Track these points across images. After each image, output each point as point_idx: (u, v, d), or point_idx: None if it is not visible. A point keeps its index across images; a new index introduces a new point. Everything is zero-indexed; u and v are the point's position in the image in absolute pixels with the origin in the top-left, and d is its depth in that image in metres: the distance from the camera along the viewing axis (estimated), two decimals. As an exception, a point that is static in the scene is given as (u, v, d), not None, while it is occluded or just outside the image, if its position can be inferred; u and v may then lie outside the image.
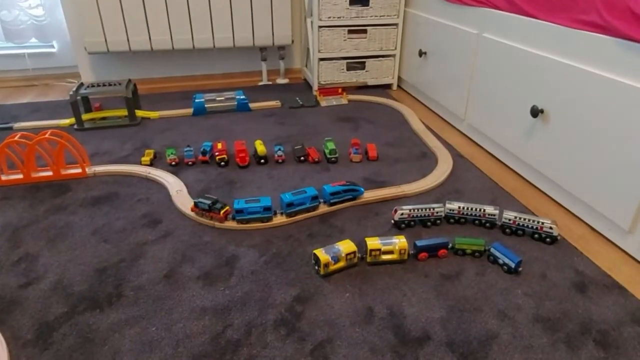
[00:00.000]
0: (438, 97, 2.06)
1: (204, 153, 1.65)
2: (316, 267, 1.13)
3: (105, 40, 2.24)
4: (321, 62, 2.31)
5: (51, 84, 2.62)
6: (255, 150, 1.67)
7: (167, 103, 2.26)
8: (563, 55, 1.33)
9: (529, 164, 1.50)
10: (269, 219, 1.31)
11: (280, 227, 1.30)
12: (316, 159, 1.66)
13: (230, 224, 1.30)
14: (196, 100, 2.09)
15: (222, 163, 1.63)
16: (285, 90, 2.48)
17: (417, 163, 1.67)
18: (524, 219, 1.23)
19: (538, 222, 1.22)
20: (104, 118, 2.05)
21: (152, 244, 1.24)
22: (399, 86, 2.51)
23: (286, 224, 1.32)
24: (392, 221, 1.30)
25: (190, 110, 2.11)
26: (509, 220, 1.25)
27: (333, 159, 1.66)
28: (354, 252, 1.13)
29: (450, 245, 1.19)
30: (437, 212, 1.29)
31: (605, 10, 1.17)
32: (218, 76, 2.61)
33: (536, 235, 1.23)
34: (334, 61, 2.32)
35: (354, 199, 1.41)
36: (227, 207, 1.31)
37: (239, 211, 1.29)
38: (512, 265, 1.10)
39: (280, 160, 1.66)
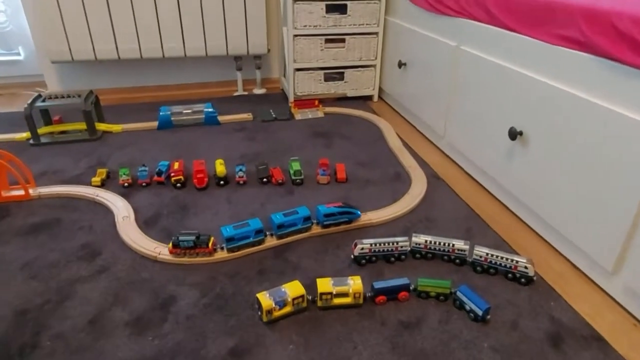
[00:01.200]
0: (418, 111, 1.94)
1: (159, 174, 1.53)
2: (259, 313, 1.00)
3: (70, 49, 2.12)
4: (297, 73, 2.19)
5: (18, 92, 2.50)
6: (215, 171, 1.55)
7: (134, 115, 2.14)
8: (543, 73, 1.21)
9: (508, 189, 1.38)
10: (261, 242, 1.22)
11: (230, 262, 1.18)
12: (280, 181, 1.53)
13: (171, 258, 1.18)
14: (161, 114, 1.97)
15: (178, 184, 1.51)
16: (261, 101, 2.36)
17: (390, 185, 1.55)
18: (497, 257, 1.11)
19: (512, 261, 1.10)
20: (63, 132, 1.93)
21: (85, 281, 1.12)
22: (380, 97, 2.39)
23: (237, 257, 1.20)
24: (352, 256, 1.17)
25: (156, 124, 1.99)
26: (480, 257, 1.12)
27: (298, 180, 1.54)
28: (302, 296, 1.01)
29: (412, 287, 1.06)
30: (401, 247, 1.17)
31: (586, 25, 1.05)
32: (192, 86, 2.49)
33: (510, 275, 1.11)
34: (311, 72, 2.20)
35: (349, 222, 1.30)
36: (212, 237, 1.20)
37: (230, 239, 1.18)
38: (480, 313, 0.98)
39: (241, 182, 1.54)
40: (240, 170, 1.54)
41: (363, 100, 2.33)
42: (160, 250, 1.20)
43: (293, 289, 1.01)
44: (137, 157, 1.74)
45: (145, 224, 1.33)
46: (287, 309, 1.00)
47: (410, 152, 1.78)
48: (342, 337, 0.96)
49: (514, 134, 1.28)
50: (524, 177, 1.29)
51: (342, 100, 2.32)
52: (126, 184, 1.52)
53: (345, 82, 2.26)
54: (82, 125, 1.90)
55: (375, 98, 2.35)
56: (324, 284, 1.02)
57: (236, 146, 1.83)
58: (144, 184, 1.53)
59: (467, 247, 1.15)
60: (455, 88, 1.62)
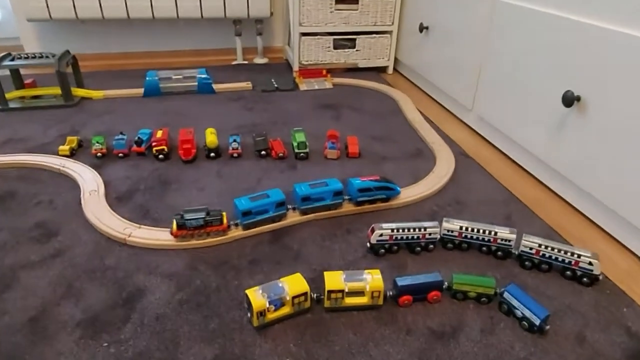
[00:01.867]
0: (441, 82, 1.69)
1: (138, 143, 1.30)
2: (249, 314, 0.78)
3: (47, 4, 1.88)
4: (303, 38, 1.94)
5: (-6, 57, 2.26)
6: (205, 141, 1.31)
7: (120, 82, 1.90)
8: (612, 20, 0.96)
9: (557, 169, 1.14)
10: (282, 217, 1.02)
11: (217, 247, 0.95)
12: (281, 154, 1.30)
13: (143, 241, 0.95)
14: (148, 79, 1.73)
15: (161, 156, 1.28)
16: (263, 71, 2.11)
17: (410, 163, 1.31)
18: (553, 250, 0.88)
19: (573, 255, 0.86)
20: (36, 97, 1.70)
21: (33, 267, 0.89)
22: (395, 69, 2.14)
23: (225, 242, 0.97)
24: (368, 244, 0.94)
25: (142, 91, 1.75)
26: (531, 249, 0.89)
27: (302, 154, 1.30)
28: (304, 294, 0.78)
29: (446, 285, 0.83)
30: (430, 234, 0.94)
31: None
32: (185, 53, 2.25)
33: (568, 273, 0.88)
34: (319, 37, 1.95)
35: (387, 199, 1.09)
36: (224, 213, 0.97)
37: (246, 213, 0.96)
38: (536, 321, 0.75)
39: (235, 154, 1.31)
40: (235, 141, 1.31)
41: (376, 72, 2.09)
42: (131, 232, 0.97)
43: (293, 284, 0.78)
44: (117, 126, 1.50)
45: (117, 201, 1.10)
46: (285, 310, 0.77)
47: (432, 126, 1.54)
48: (355, 349, 0.73)
49: (570, 100, 1.03)
50: (579, 154, 1.05)
51: (353, 71, 2.07)
52: (99, 154, 1.29)
53: (356, 50, 2.01)
54: (57, 90, 1.66)
55: (390, 70, 2.11)
56: (334, 279, 0.79)
57: (232, 116, 1.59)
58: (120, 155, 1.30)
59: (513, 236, 0.91)
60: (491, 51, 1.37)
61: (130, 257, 0.92)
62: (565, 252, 0.87)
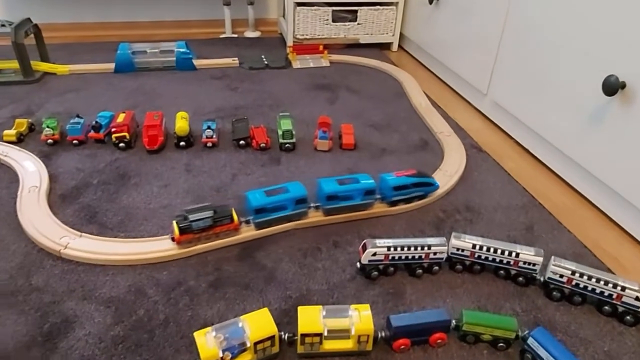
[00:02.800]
0: (452, 62, 1.49)
1: (96, 128, 1.11)
2: (198, 363, 0.60)
3: (9, -34, 1.66)
4: (298, 9, 1.73)
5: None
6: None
7: (93, 55, 1.69)
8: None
9: (591, 171, 0.94)
10: (302, 216, 0.87)
11: (173, 263, 0.77)
12: (263, 144, 1.11)
13: (83, 254, 0.77)
14: (119, 52, 1.53)
15: (121, 144, 1.10)
16: (253, 45, 1.90)
17: (413, 156, 1.12)
18: (590, 278, 0.69)
19: (615, 287, 0.68)
20: (-6, 71, 1.51)
21: (-59, 286, 0.72)
22: (400, 46, 1.92)
23: (183, 256, 0.79)
24: (358, 264, 0.76)
25: (113, 66, 1.55)
26: (562, 276, 0.71)
27: (288, 144, 1.11)
28: (270, 338, 0.60)
29: (453, 323, 0.65)
30: (435, 254, 0.75)
31: None
32: (168, 24, 2.03)
33: (607, 308, 0.70)
34: (316, 8, 1.74)
35: (424, 196, 0.93)
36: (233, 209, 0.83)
37: (260, 210, 0.82)
38: (572, 382, 0.57)
39: (209, 144, 1.12)
40: (209, 128, 1.12)
41: (379, 49, 1.87)
42: (68, 242, 0.79)
43: (257, 324, 0.60)
44: (80, 107, 1.31)
45: (62, 199, 0.93)
46: (246, 359, 0.60)
47: (441, 113, 1.34)
48: (335, 416, 0.56)
49: (613, 87, 0.84)
50: (620, 155, 0.86)
51: (353, 47, 1.85)
52: (50, 141, 1.11)
53: (358, 24, 1.80)
54: (16, 64, 1.47)
55: (395, 47, 1.89)
56: (310, 318, 0.61)
57: (212, 97, 1.40)
58: (75, 142, 1.11)
59: (540, 259, 0.73)
60: (511, 26, 1.17)
61: (64, 274, 0.75)
62: (606, 283, 0.68)
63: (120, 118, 1.11)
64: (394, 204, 0.91)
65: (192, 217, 0.77)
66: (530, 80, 1.10)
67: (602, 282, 0.69)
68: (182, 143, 1.11)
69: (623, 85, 0.84)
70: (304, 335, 0.60)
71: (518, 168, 1.10)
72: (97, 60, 1.63)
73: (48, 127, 1.10)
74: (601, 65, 0.89)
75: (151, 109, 1.30)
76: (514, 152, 1.17)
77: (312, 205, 0.88)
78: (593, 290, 0.70)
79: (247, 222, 0.84)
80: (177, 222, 0.77)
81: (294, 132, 1.11)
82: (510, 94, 1.19)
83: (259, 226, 0.84)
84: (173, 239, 0.79)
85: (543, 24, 1.05)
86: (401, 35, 1.87)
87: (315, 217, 0.87)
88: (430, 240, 0.75)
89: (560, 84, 1.00)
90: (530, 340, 0.62)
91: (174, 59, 1.57)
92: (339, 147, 1.14)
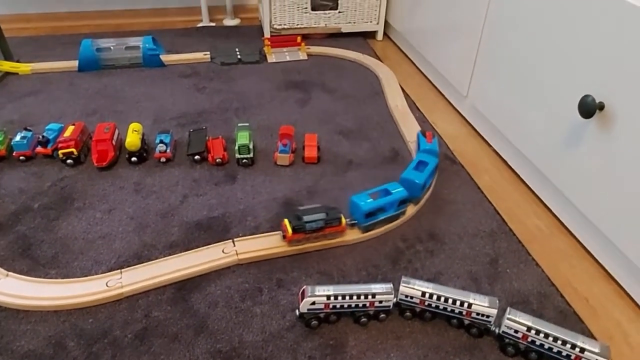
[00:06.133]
0: (433, 58, 1.38)
1: (43, 143, 1.05)
2: None
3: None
4: (274, -3, 1.62)
5: None
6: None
7: (64, 49, 1.62)
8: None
9: (567, 195, 0.86)
10: (399, 217, 0.89)
11: (101, 308, 0.72)
12: (219, 159, 1.04)
13: (4, 298, 0.72)
14: (82, 50, 1.45)
15: (69, 160, 1.03)
16: (230, 35, 1.80)
17: (380, 170, 1.05)
18: (547, 337, 0.63)
19: (574, 348, 0.61)
20: (-46, 71, 1.44)
21: None
22: (386, 34, 1.81)
23: (113, 299, 0.74)
24: (297, 311, 0.70)
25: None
26: (516, 332, 0.64)
27: (244, 160, 1.04)
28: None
29: (389, 391, 0.60)
30: (380, 302, 0.69)
31: None
32: (144, 12, 1.94)
33: (566, 368, 0.63)
34: (294, -4, 1.63)
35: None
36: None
37: (370, 214, 0.83)
38: None
39: (162, 159, 1.05)
40: (162, 142, 1.05)
41: (363, 38, 1.76)
42: (-8, 284, 0.74)
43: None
44: (37, 113, 1.25)
45: (-3, 228, 0.87)
46: None
47: (418, 115, 1.25)
48: None
49: (590, 108, 0.74)
50: (597, 182, 0.77)
51: (336, 37, 1.75)
52: (-4, 157, 1.05)
53: (339, 12, 1.68)
54: (-25, 64, 1.40)
55: (380, 36, 1.78)
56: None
57: (176, 100, 1.32)
58: (21, 157, 1.05)
59: (493, 311, 0.66)
60: (493, 25, 1.06)
61: (-19, 322, 0.70)
62: (564, 343, 0.62)
63: (68, 132, 1.05)
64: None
65: (306, 218, 0.79)
66: (508, 86, 1.01)
67: (559, 342, 0.62)
68: (133, 158, 1.04)
69: (601, 107, 0.75)
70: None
71: (493, 183, 1.02)
72: (68, 54, 1.56)
73: (-6, 142, 1.05)
74: (579, 82, 0.80)
75: (111, 114, 1.24)
76: (491, 164, 1.08)
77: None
78: (550, 349, 0.63)
79: (353, 225, 0.85)
80: (289, 221, 0.79)
81: (251, 147, 1.04)
82: (488, 98, 1.09)
83: (366, 229, 0.85)
84: (284, 237, 0.80)
85: (524, 21, 0.94)
86: (387, 23, 1.75)
87: (262, 251, 0.81)
88: (375, 288, 0.69)
89: (539, 98, 0.91)
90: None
91: (140, 55, 1.48)
92: (302, 159, 1.07)
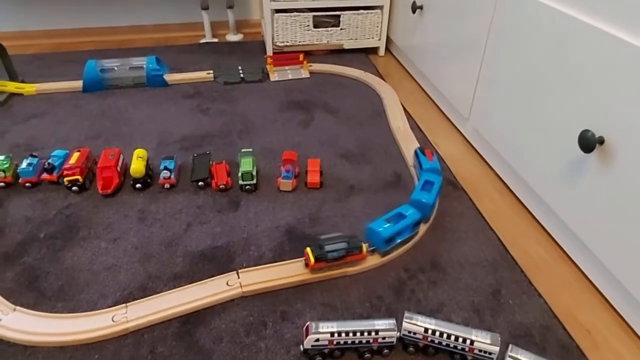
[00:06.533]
0: (435, 77, 1.39)
1: (48, 170, 1.06)
2: None
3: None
4: (277, 16, 1.63)
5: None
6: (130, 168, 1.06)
7: (67, 67, 1.64)
8: (661, 41, 0.66)
9: (569, 225, 0.87)
10: (415, 236, 0.92)
11: (107, 343, 0.73)
12: (222, 185, 1.05)
13: (11, 333, 0.73)
14: (87, 70, 1.46)
15: (74, 188, 1.04)
16: (233, 51, 1.81)
17: (383, 195, 1.05)
18: (547, 378, 0.63)
19: (575, 389, 0.62)
20: (-41, 93, 1.46)
21: None
22: (388, 50, 1.82)
23: (118, 335, 0.75)
24: (301, 347, 0.71)
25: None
26: (518, 371, 0.65)
27: (248, 186, 1.05)
28: None
29: None
30: (384, 338, 0.70)
31: None
32: (147, 28, 1.95)
33: (568, 408, 0.63)
34: (296, 14, 1.64)
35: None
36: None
37: (390, 240, 0.86)
38: None
39: (166, 185, 1.06)
40: (166, 168, 1.06)
41: (365, 54, 1.77)
42: (1, 319, 0.75)
43: None
44: (42, 136, 1.26)
45: (5, 259, 0.88)
46: None
47: (420, 136, 1.26)
48: None
49: (589, 143, 0.75)
50: (598, 214, 0.78)
51: (338, 53, 1.76)
52: (2, 184, 1.06)
53: (341, 28, 1.69)
54: (-19, 86, 1.42)
55: (382, 51, 1.79)
56: None
57: (180, 122, 1.33)
58: (27, 184, 1.06)
59: (495, 348, 0.67)
60: (494, 47, 1.07)
61: (-9, 359, 0.71)
62: (566, 382, 0.62)
63: (74, 158, 1.06)
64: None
65: (328, 247, 0.82)
66: (510, 110, 1.01)
67: (561, 381, 0.62)
68: (138, 185, 1.05)
69: (601, 141, 0.75)
70: None
71: (496, 210, 1.02)
72: (71, 73, 1.58)
73: (1, 168, 1.06)
74: (579, 116, 0.80)
75: (115, 138, 1.25)
76: (494, 190, 1.09)
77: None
78: (552, 387, 0.63)
79: (373, 251, 0.87)
80: (312, 250, 0.82)
81: (254, 174, 1.04)
82: (490, 122, 1.10)
83: (385, 254, 0.87)
84: (307, 265, 0.83)
85: (527, 46, 0.95)
86: (389, 39, 1.76)
87: (266, 282, 0.82)
88: (379, 324, 0.70)
89: (541, 126, 0.92)
90: None
91: (144, 74, 1.49)
92: (304, 185, 1.07)
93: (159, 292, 0.81)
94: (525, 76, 0.95)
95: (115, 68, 1.48)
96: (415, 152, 1.08)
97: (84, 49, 1.82)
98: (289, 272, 0.84)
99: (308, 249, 0.83)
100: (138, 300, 0.79)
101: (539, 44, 0.90)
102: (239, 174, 1.04)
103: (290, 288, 0.83)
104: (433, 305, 0.80)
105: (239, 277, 0.82)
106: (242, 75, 1.56)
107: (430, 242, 0.93)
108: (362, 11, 1.67)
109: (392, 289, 0.83)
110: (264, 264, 0.86)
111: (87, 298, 0.81)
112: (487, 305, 0.80)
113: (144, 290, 0.82)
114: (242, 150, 1.10)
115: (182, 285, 0.82)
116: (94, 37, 1.91)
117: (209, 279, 0.82)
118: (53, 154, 1.10)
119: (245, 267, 0.85)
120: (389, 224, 0.87)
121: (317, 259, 0.82)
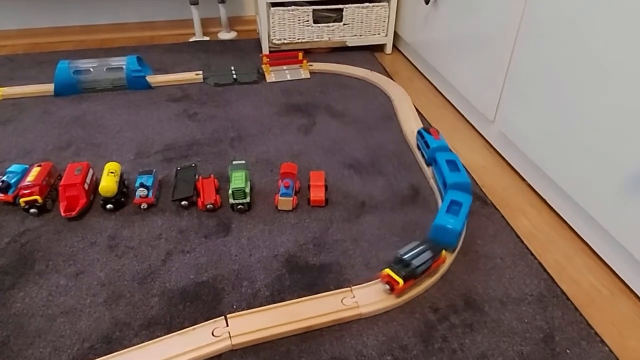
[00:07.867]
0: (452, 76, 1.23)
1: (3, 189, 0.90)
2: None
3: None
4: (273, 10, 1.47)
5: None
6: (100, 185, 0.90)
7: (40, 69, 1.48)
8: None
9: (631, 251, 0.70)
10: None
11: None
12: (210, 205, 0.88)
13: None
14: (58, 73, 1.30)
15: (32, 210, 0.88)
16: (226, 50, 1.65)
17: (400, 214, 0.89)
18: None
19: None
20: None
21: None
22: (395, 47, 1.66)
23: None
24: (308, 423, 0.55)
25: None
26: None
27: (240, 205, 0.88)
28: None
29: None
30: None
31: None
32: (132, 26, 1.79)
33: None
34: (294, 8, 1.48)
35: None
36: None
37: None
38: None
39: (144, 205, 0.90)
40: (142, 185, 0.89)
41: (370, 52, 1.61)
42: None
43: None
44: (3, 147, 1.10)
45: (-61, 301, 0.72)
46: None
47: (438, 144, 1.10)
48: None
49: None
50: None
51: (341, 51, 1.60)
52: (-52, 206, 0.90)
53: (344, 24, 1.54)
54: (-62, 91, 1.25)
55: (389, 49, 1.63)
56: None
57: (164, 129, 1.17)
58: (-21, 206, 0.90)
59: None
60: (529, 36, 0.91)
61: None
62: None
63: (32, 175, 0.89)
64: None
65: (415, 262, 0.70)
66: (550, 116, 0.85)
67: None
68: (109, 205, 0.89)
69: (685, 149, 0.59)
70: None
71: (533, 229, 0.86)
72: (44, 75, 1.42)
73: (-53, 188, 0.89)
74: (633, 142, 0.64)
75: (87, 148, 1.09)
76: (528, 203, 0.93)
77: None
78: None
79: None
80: (395, 271, 0.70)
81: (247, 190, 0.88)
82: (522, 127, 0.94)
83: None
84: (392, 290, 0.70)
85: (565, 41, 0.79)
86: (396, 35, 1.60)
87: (262, 331, 0.65)
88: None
89: (586, 131, 0.75)
90: None
91: (124, 76, 1.33)
92: (307, 202, 0.91)
93: (126, 345, 0.64)
94: (567, 71, 0.79)
95: (92, 69, 1.31)
96: (419, 132, 0.98)
97: (61, 49, 1.66)
98: (290, 316, 0.67)
99: (388, 271, 0.70)
100: (99, 359, 0.62)
101: (587, 26, 0.74)
102: (230, 191, 0.88)
103: (293, 336, 0.66)
104: (472, 357, 0.64)
105: (227, 325, 0.66)
106: (235, 76, 1.40)
107: (460, 273, 0.77)
108: (366, 4, 1.51)
109: (419, 335, 0.67)
110: (259, 306, 0.70)
111: (35, 354, 0.64)
112: (540, 356, 0.64)
113: (109, 342, 0.65)
114: (234, 162, 0.93)
115: (156, 335, 0.66)
116: (72, 36, 1.75)
117: (190, 328, 0.66)
118: (9, 169, 0.93)
119: (235, 310, 0.69)
120: (453, 216, 0.75)
121: (406, 279, 0.69)
